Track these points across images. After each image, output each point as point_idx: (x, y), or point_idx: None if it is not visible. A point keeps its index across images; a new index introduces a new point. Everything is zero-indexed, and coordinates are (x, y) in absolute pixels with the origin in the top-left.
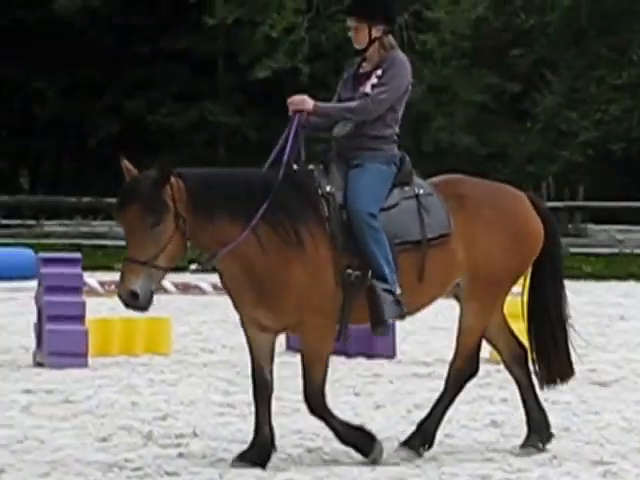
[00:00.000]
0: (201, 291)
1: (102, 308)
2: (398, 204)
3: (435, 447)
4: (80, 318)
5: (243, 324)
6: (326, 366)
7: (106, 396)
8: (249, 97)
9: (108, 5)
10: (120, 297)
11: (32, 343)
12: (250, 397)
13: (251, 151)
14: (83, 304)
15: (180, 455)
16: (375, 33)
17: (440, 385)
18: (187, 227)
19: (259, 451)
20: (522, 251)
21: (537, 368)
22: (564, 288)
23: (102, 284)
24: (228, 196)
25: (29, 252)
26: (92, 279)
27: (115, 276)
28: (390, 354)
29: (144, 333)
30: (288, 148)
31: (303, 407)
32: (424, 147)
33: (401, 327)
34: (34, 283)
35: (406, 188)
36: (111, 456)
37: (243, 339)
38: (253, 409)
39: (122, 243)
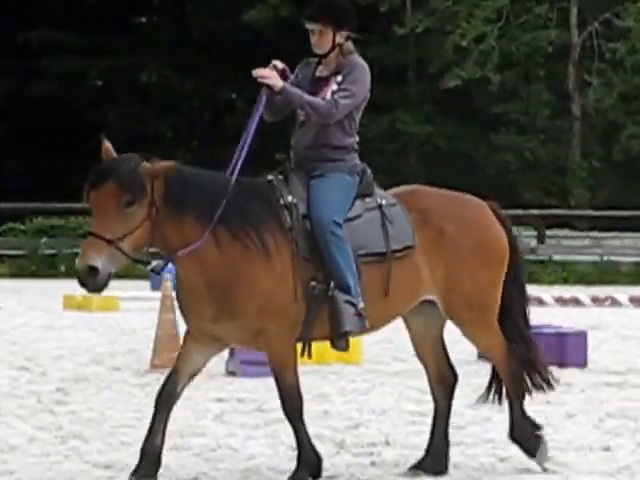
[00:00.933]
0: None
1: None
2: (361, 215)
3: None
4: None
5: (189, 336)
6: (296, 370)
7: None
8: (439, 106)
9: (298, 15)
10: (77, 272)
11: (224, 352)
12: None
13: (441, 160)
14: None
15: (372, 464)
16: (339, 39)
17: (633, 394)
18: (158, 218)
19: (146, 463)
20: (490, 261)
21: (498, 382)
22: (526, 296)
23: None
24: (201, 196)
25: None
26: None
27: None
28: (582, 363)
29: None
30: (252, 132)
31: (495, 416)
32: (615, 156)
33: (593, 336)
34: None
35: (368, 199)
36: None
37: None
38: (150, 418)
39: None
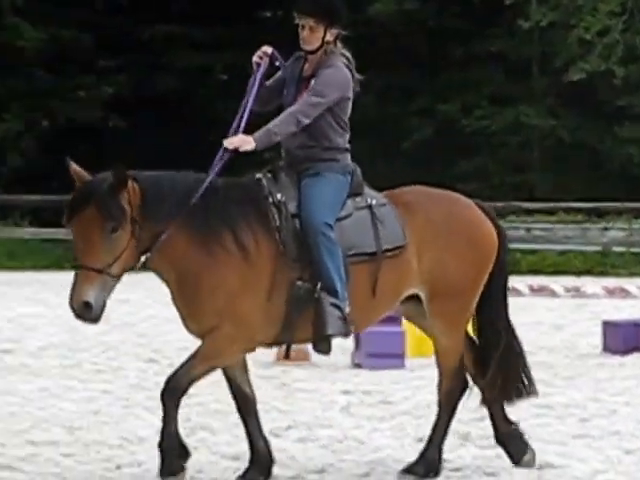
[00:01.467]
0: (518, 293)
1: None
2: (351, 215)
3: None
4: (397, 319)
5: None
6: (205, 374)
7: (423, 397)
8: (563, 99)
9: (423, 9)
10: (72, 308)
11: (350, 345)
12: (537, 399)
13: (564, 153)
14: None
15: (498, 456)
16: (329, 37)
17: None
18: (141, 232)
19: (260, 468)
20: (478, 258)
21: (481, 384)
22: (507, 295)
23: None
24: (176, 200)
25: None
26: None
27: None
28: None
29: None
30: (212, 174)
31: (621, 409)
32: None
33: None
34: None
35: (358, 199)
36: None
37: (558, 341)
38: (244, 429)
39: None
